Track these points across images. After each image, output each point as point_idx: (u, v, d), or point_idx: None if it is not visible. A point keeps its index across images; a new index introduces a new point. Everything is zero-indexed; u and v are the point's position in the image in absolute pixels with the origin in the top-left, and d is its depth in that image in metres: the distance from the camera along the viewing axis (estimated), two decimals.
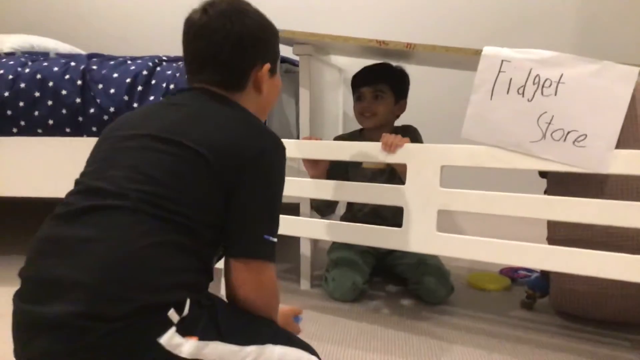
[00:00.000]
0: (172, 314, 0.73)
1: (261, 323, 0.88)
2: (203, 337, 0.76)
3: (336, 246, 1.76)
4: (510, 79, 1.19)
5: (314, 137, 1.57)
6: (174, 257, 0.77)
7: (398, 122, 1.76)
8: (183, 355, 0.73)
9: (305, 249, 1.69)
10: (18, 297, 0.76)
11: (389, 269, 1.76)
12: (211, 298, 0.84)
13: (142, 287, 0.72)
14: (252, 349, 0.81)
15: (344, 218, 1.82)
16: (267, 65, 0.96)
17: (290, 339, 0.90)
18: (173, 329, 0.72)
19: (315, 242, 1.80)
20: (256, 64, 0.94)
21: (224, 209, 0.83)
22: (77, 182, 0.85)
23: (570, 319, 1.46)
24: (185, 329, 0.74)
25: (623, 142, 1.13)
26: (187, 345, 0.73)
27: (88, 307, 0.69)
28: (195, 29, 0.92)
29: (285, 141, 1.47)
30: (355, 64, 1.88)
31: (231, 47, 0.90)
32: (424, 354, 1.25)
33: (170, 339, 0.72)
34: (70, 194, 0.83)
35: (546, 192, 1.35)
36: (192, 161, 0.81)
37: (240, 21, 0.91)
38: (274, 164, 0.89)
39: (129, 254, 0.73)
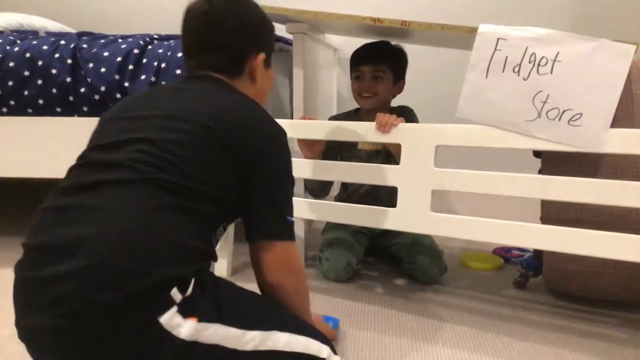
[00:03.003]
0: (175, 293, 0.72)
1: (269, 308, 0.87)
2: (203, 318, 0.74)
3: (330, 226, 1.76)
4: (506, 57, 1.18)
5: (309, 117, 1.55)
6: (182, 231, 0.77)
7: (394, 103, 1.75)
8: (181, 336, 0.72)
9: (299, 230, 1.68)
10: (19, 266, 0.76)
11: (383, 249, 1.76)
12: (216, 280, 0.83)
13: (152, 260, 0.72)
14: (255, 334, 0.79)
15: (338, 198, 1.82)
16: (262, 55, 1.01)
17: (301, 327, 0.88)
18: (174, 309, 0.71)
19: (309, 223, 1.79)
20: (252, 53, 1.00)
21: (237, 189, 0.86)
22: (82, 157, 0.86)
23: (563, 297, 1.47)
24: (186, 310, 0.73)
25: (618, 121, 1.13)
26: (185, 327, 0.72)
27: (96, 278, 0.69)
28: (197, 15, 0.97)
29: (279, 121, 1.47)
30: (350, 43, 1.86)
31: (231, 33, 0.96)
32: (417, 333, 1.26)
33: (170, 318, 0.71)
34: (75, 167, 0.84)
35: (540, 172, 1.34)
36: (206, 138, 0.83)
37: (241, 10, 0.99)
38: (286, 147, 0.95)
39: (138, 225, 0.74)
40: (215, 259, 0.86)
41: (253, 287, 0.94)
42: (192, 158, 0.81)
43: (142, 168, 0.78)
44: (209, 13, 0.96)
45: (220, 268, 1.60)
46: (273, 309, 0.88)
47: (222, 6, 0.97)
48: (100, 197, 0.76)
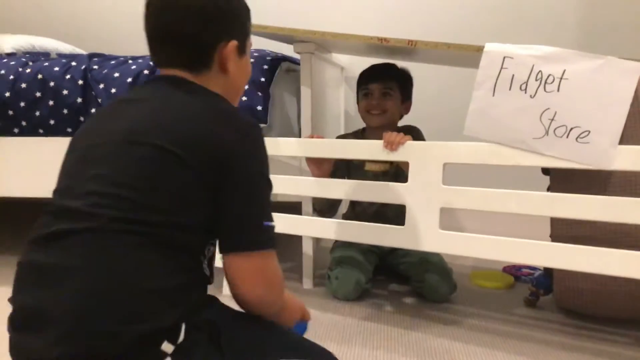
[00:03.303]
0: (166, 346, 0.68)
1: (271, 336, 0.83)
2: None
3: (339, 245, 1.75)
4: (513, 75, 1.19)
5: (317, 135, 1.56)
6: (159, 275, 0.71)
7: (401, 123, 1.76)
8: None
9: (307, 248, 1.68)
10: (10, 323, 0.73)
11: (392, 268, 1.75)
12: (213, 313, 0.78)
13: (132, 317, 0.67)
14: None
15: (346, 216, 1.81)
16: (234, 42, 0.87)
17: (307, 351, 0.84)
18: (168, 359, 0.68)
19: (317, 241, 1.79)
20: (221, 40, 0.86)
21: (211, 205, 0.77)
22: (47, 203, 0.79)
23: (574, 316, 1.45)
24: (182, 356, 0.69)
25: (627, 137, 1.13)
26: None
27: (75, 347, 0.66)
28: (156, 2, 0.86)
29: (287, 140, 1.49)
30: (357, 62, 1.88)
31: (194, 19, 0.83)
32: (427, 352, 1.24)
33: None
34: (43, 213, 0.77)
35: (549, 189, 1.34)
36: (164, 161, 0.74)
37: None
38: (257, 147, 0.83)
39: (112, 282, 0.68)
40: (209, 281, 0.82)
41: None
42: (155, 188, 0.73)
43: (101, 213, 0.71)
44: None
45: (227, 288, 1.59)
46: (275, 335, 0.84)
47: None
48: (67, 255, 0.70)
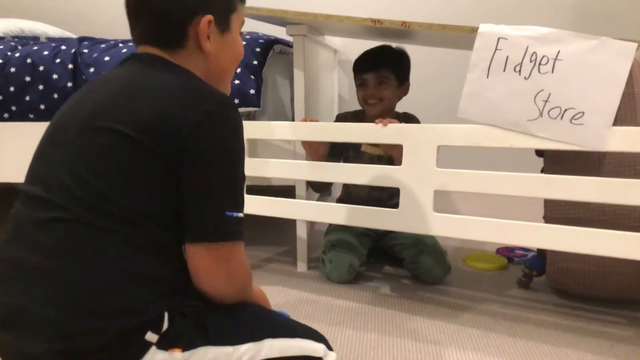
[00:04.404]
0: (150, 336, 0.68)
1: (259, 318, 0.82)
2: (188, 346, 0.70)
3: (333, 228, 1.75)
4: (507, 57, 1.18)
5: (310, 119, 1.55)
6: (138, 267, 0.70)
7: (400, 105, 1.75)
8: None
9: (301, 232, 1.68)
10: None
11: (386, 250, 1.76)
12: (198, 297, 0.76)
13: (113, 313, 0.67)
14: (248, 346, 0.75)
15: (340, 200, 1.81)
16: (209, 17, 0.80)
17: (294, 330, 0.82)
18: (153, 348, 0.68)
19: (311, 225, 1.79)
20: (195, 15, 0.80)
21: (179, 193, 0.73)
22: (20, 190, 0.76)
23: (567, 297, 1.46)
24: (168, 343, 0.69)
25: (621, 119, 1.13)
26: None
27: (61, 344, 0.66)
28: None
29: (280, 123, 1.48)
30: (350, 45, 1.86)
31: None
32: (421, 334, 1.25)
33: (151, 357, 0.67)
34: (17, 203, 0.76)
35: (543, 171, 1.34)
36: (121, 146, 0.70)
37: None
38: (225, 129, 0.75)
39: (89, 278, 0.67)
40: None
41: None
42: (117, 175, 0.70)
43: (70, 202, 0.69)
44: None
45: None
46: (263, 317, 0.83)
47: None
48: (41, 250, 0.69)
